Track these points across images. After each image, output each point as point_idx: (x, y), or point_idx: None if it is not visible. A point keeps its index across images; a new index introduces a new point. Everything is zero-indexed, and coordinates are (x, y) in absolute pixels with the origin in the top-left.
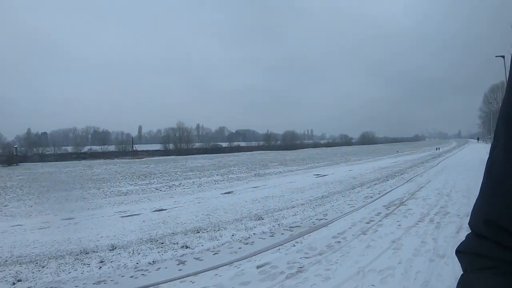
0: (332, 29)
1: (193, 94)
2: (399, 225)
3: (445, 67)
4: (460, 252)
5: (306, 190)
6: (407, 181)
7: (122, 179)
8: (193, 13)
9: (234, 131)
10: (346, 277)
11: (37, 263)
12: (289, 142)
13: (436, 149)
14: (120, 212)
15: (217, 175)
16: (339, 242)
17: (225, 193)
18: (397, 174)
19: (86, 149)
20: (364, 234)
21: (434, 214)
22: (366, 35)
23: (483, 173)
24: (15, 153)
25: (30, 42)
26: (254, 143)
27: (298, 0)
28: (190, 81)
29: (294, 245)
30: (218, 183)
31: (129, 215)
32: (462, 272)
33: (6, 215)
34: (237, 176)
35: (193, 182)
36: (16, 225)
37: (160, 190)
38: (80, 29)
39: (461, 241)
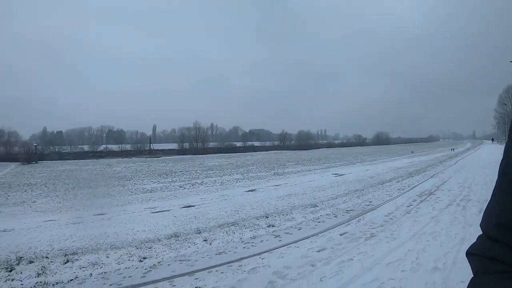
0: (345, 29)
1: (207, 94)
2: (433, 208)
3: (460, 68)
4: (471, 254)
5: (327, 188)
6: (431, 177)
7: (144, 177)
8: (208, 14)
9: (247, 131)
10: (407, 237)
11: (136, 246)
12: (304, 142)
13: (451, 149)
14: (150, 208)
15: (237, 173)
16: (392, 219)
17: (249, 190)
18: (419, 172)
19: (102, 147)
20: (409, 214)
21: (460, 201)
22: (380, 34)
23: (497, 174)
24: (34, 152)
25: (46, 42)
26: (268, 143)
27: (312, 1)
28: (204, 81)
29: (359, 221)
30: (239, 182)
31: (159, 211)
32: (472, 276)
33: (37, 211)
34: (257, 175)
35: (215, 180)
36: (49, 220)
37: (184, 188)
38: (95, 29)
39: (472, 243)
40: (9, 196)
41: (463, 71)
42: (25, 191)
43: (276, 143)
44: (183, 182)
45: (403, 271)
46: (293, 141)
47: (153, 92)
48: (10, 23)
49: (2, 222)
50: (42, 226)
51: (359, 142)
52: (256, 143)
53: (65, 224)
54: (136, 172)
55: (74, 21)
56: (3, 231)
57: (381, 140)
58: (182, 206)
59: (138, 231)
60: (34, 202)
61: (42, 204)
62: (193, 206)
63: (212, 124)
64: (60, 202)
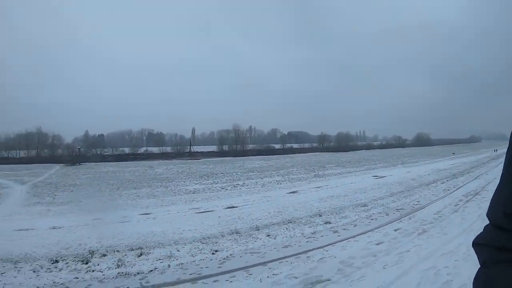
0: (383, 30)
1: (244, 96)
2: (479, 207)
3: (502, 66)
4: (478, 244)
5: (368, 190)
6: (475, 178)
7: (185, 178)
8: (244, 16)
9: (286, 133)
10: (457, 233)
11: (202, 241)
12: (343, 144)
13: (494, 151)
14: (194, 208)
15: (277, 175)
16: (440, 216)
17: (290, 192)
18: (463, 173)
19: (142, 150)
20: (456, 212)
21: None
22: (418, 35)
23: (503, 163)
24: (77, 154)
25: (86, 47)
26: (307, 145)
27: (349, 4)
28: (242, 84)
29: (410, 218)
30: (280, 183)
31: (203, 211)
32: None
33: (83, 210)
34: (297, 177)
35: (256, 182)
36: (97, 219)
37: (226, 189)
38: (133, 34)
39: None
40: (56, 195)
41: (507, 71)
42: (71, 191)
43: (315, 145)
44: (225, 184)
45: (456, 260)
46: (332, 143)
47: (191, 95)
48: (61, 32)
49: (51, 220)
50: (90, 224)
51: (399, 143)
52: (295, 145)
53: (113, 223)
54: (177, 174)
55: (112, 24)
56: (53, 228)
57: (421, 141)
58: (226, 207)
59: (184, 230)
60: (80, 202)
61: (88, 204)
62: (236, 207)
63: (250, 127)
64: (106, 202)
